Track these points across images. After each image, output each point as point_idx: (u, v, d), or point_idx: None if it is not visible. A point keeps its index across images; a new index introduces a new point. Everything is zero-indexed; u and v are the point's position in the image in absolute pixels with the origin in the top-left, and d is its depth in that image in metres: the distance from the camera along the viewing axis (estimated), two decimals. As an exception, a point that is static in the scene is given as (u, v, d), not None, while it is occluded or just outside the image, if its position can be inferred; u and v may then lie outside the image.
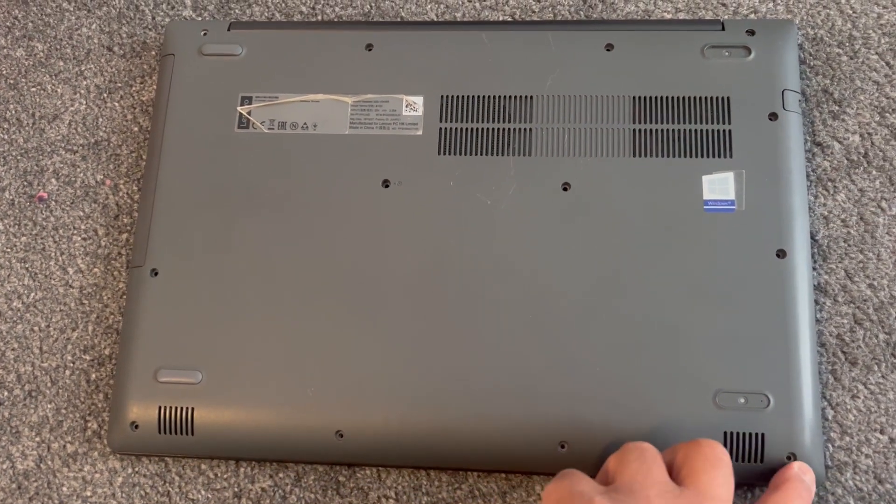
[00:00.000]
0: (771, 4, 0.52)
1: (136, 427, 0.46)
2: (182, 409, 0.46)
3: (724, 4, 0.52)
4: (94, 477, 0.48)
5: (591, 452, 0.43)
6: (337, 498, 0.46)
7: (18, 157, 0.54)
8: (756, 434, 0.42)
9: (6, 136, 0.54)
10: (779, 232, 0.45)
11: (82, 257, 0.52)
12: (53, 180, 0.53)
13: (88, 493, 0.47)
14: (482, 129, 0.49)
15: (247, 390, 0.46)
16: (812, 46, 0.51)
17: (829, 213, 0.48)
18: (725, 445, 0.42)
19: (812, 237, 0.47)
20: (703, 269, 0.45)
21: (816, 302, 0.46)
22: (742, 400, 0.43)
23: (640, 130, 0.48)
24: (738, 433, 0.42)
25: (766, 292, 0.44)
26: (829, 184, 0.48)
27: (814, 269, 0.47)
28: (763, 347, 0.43)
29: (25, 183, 0.53)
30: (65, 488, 0.48)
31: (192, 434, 0.45)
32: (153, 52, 0.55)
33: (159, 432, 0.46)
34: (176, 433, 0.46)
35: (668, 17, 0.53)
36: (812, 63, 0.50)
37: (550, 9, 0.53)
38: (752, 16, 0.52)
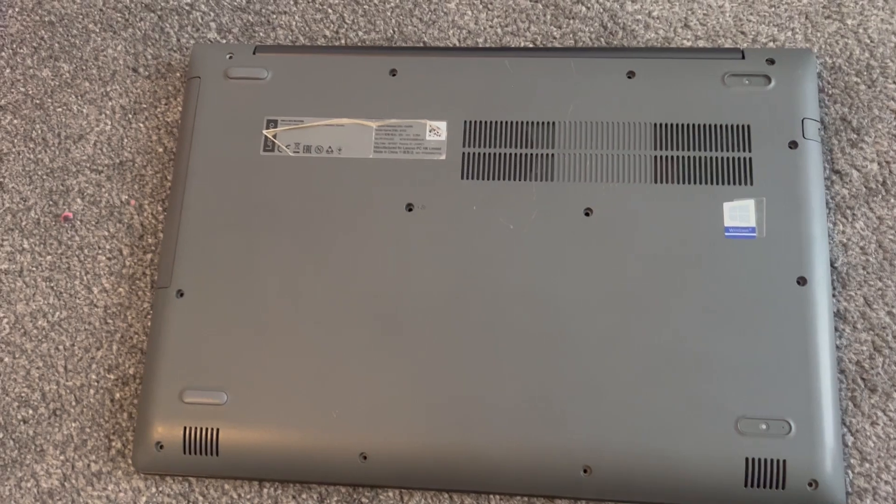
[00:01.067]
0: (789, 33, 0.53)
1: (161, 447, 0.46)
2: (207, 429, 0.46)
3: (742, 33, 0.53)
4: (118, 496, 0.48)
5: (615, 477, 0.44)
6: (360, 519, 0.46)
7: (44, 177, 0.55)
8: (778, 461, 0.43)
9: (32, 156, 0.55)
10: (799, 259, 0.46)
11: (107, 277, 0.52)
12: (79, 200, 0.54)
13: (112, 513, 0.48)
14: (505, 154, 0.49)
15: (272, 411, 0.46)
16: (830, 75, 0.52)
17: (848, 241, 0.48)
18: (747, 471, 0.43)
19: (831, 264, 0.47)
20: (725, 295, 0.45)
21: (836, 329, 0.47)
22: (764, 426, 0.43)
23: (661, 157, 0.48)
24: (759, 459, 0.43)
25: (787, 319, 0.45)
26: (848, 211, 0.49)
27: (833, 296, 0.47)
28: (784, 374, 0.44)
29: (51, 202, 0.54)
30: (89, 507, 0.48)
31: (217, 454, 0.46)
32: (178, 74, 0.56)
33: (184, 452, 0.46)
34: (201, 453, 0.46)
35: (688, 44, 0.53)
36: (830, 91, 0.51)
37: (571, 35, 0.54)
38: (771, 44, 0.53)
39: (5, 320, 0.52)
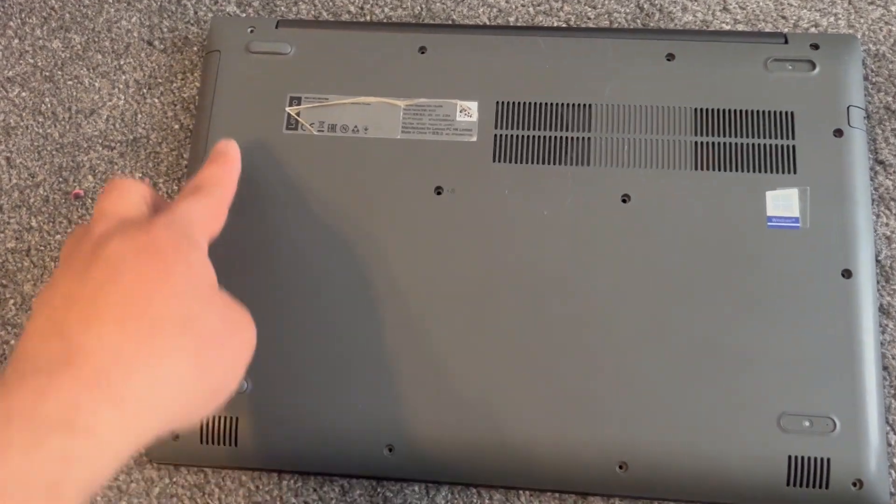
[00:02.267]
0: (832, 19, 0.51)
1: (177, 436, 0.44)
2: (226, 418, 0.44)
3: (783, 17, 0.51)
4: (129, 486, 0.46)
5: (651, 474, 0.42)
6: (384, 514, 0.44)
7: (53, 153, 0.52)
8: (821, 459, 0.41)
9: (41, 130, 0.53)
10: (844, 251, 0.44)
11: (119, 258, 0.50)
12: (90, 177, 0.52)
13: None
14: (538, 136, 0.47)
15: (294, 401, 0.44)
16: (874, 63, 0.50)
17: (892, 234, 0.47)
18: (789, 470, 0.41)
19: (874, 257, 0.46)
20: (767, 287, 0.44)
21: (879, 324, 0.45)
22: (807, 423, 0.42)
23: (701, 143, 0.46)
24: (802, 458, 0.41)
25: (831, 313, 0.43)
26: (892, 203, 0.47)
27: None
28: (829, 369, 0.42)
29: (60, 179, 0.52)
30: (98, 498, 0.46)
31: (236, 444, 0.44)
32: (195, 48, 0.54)
33: (201, 442, 0.44)
34: (219, 443, 0.44)
35: (727, 28, 0.51)
36: (874, 80, 0.50)
37: (607, 16, 0.52)
38: (813, 29, 0.51)
39: (11, 301, 0.50)
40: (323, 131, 0.48)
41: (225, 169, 0.41)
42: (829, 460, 0.41)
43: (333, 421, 0.44)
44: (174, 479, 0.46)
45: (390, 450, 0.43)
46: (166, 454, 0.45)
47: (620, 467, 0.42)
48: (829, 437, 0.41)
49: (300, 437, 0.44)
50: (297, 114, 0.49)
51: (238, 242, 0.46)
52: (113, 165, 0.52)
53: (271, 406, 0.44)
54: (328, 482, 0.45)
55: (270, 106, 0.49)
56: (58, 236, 0.51)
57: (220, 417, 0.44)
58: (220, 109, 0.49)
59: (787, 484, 0.41)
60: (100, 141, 0.52)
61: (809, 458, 0.41)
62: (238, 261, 0.46)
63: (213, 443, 0.44)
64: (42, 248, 0.50)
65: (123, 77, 0.53)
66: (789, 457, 0.41)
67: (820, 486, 0.41)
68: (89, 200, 0.51)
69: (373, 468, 0.44)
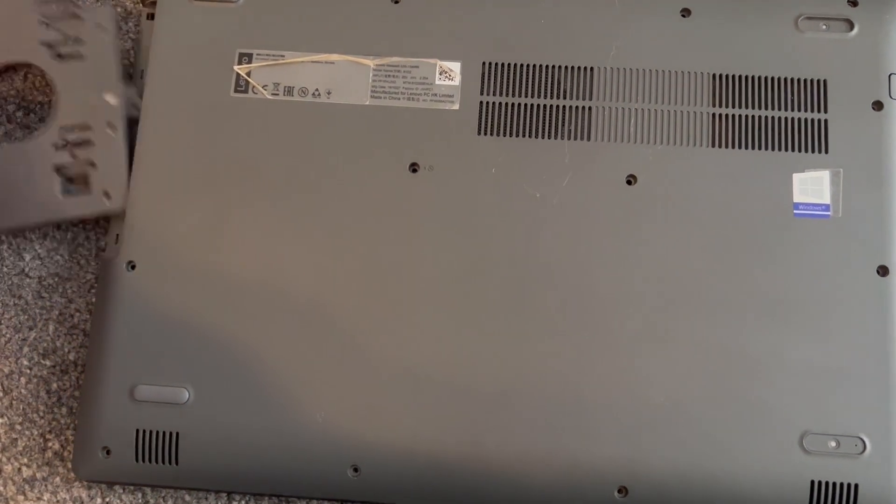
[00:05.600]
0: (871, -31, 0.44)
1: (109, 453, 0.38)
2: (164, 433, 0.38)
3: (815, -33, 0.45)
4: (56, 507, 0.40)
5: (655, 500, 0.37)
6: (348, 540, 0.39)
7: (-37, 115, 0.45)
8: (849, 484, 0.37)
9: (-52, 89, 0.45)
10: (882, 244, 0.39)
11: (41, 241, 0.43)
12: (5, 145, 0.44)
13: (49, 527, 0.40)
14: (532, 105, 0.41)
15: (243, 413, 0.38)
16: (918, 22, 0.43)
17: (932, 222, 0.41)
18: (813, 497, 0.37)
19: (912, 250, 0.41)
20: (791, 285, 0.39)
21: (916, 327, 0.40)
22: (833, 444, 0.37)
23: (719, 115, 0.40)
24: (827, 483, 0.37)
25: (864, 316, 0.38)
26: (934, 187, 0.42)
27: (914, 287, 0.40)
28: (860, 381, 0.38)
29: (-28, 146, 0.44)
30: (20, 519, 0.40)
31: (177, 463, 0.38)
32: (129, -7, 0.46)
33: (136, 460, 0.38)
34: (156, 461, 0.38)
35: (751, -22, 0.45)
36: (917, 42, 0.43)
37: (611, -38, 0.45)
38: (849, -18, 0.44)
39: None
40: (278, 94, 0.41)
41: None
42: (857, 486, 0.37)
43: (290, 436, 0.38)
44: (107, 500, 0.40)
45: (355, 470, 0.38)
46: (97, 472, 0.39)
47: (620, 492, 0.37)
48: (857, 459, 0.37)
49: (251, 455, 0.38)
50: (248, 73, 0.42)
51: (178, 225, 0.40)
52: (31, 130, 0.44)
53: (216, 419, 0.38)
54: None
55: (216, 64, 0.42)
56: None
57: (157, 431, 0.38)
58: (157, 68, 0.42)
59: (809, 512, 0.36)
60: (17, 102, 0.45)
61: (835, 484, 0.37)
62: (180, 247, 0.40)
63: (150, 460, 0.38)
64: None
65: (45, 26, 0.46)
66: (812, 482, 0.37)
67: (846, 515, 0.36)
68: (6, 172, 0.44)
69: (335, 490, 0.39)
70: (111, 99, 0.40)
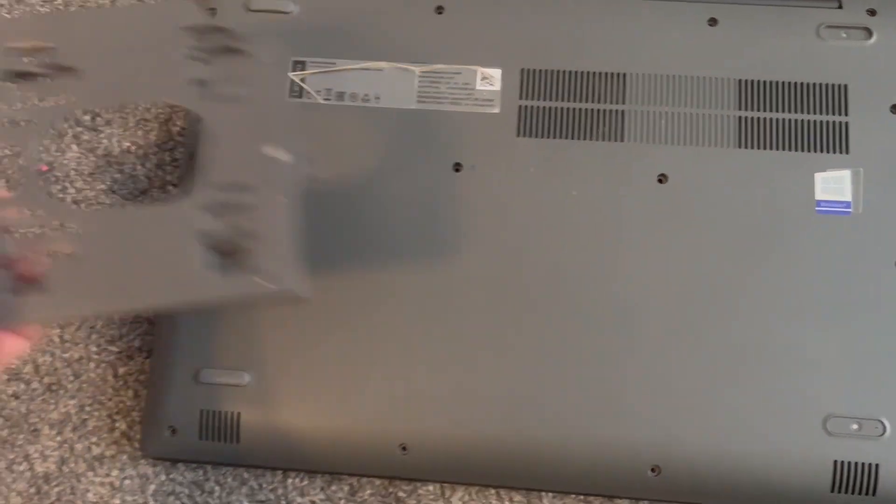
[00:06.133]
0: (889, -20, 0.47)
1: (174, 431, 0.41)
2: (227, 413, 0.41)
3: (835, -22, 0.47)
4: (123, 483, 0.43)
5: (686, 478, 0.39)
6: (396, 515, 0.42)
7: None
8: (869, 465, 0.38)
9: (18, 94, 0.48)
10: (900, 240, 0.41)
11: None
12: (74, 146, 0.47)
13: (117, 502, 0.42)
14: (567, 109, 0.43)
15: (300, 395, 0.41)
16: (934, 30, 0.46)
17: (948, 219, 0.43)
18: (835, 476, 0.38)
19: (929, 245, 0.42)
20: (814, 278, 0.40)
21: (932, 318, 0.42)
22: (855, 426, 0.39)
23: (746, 118, 0.42)
24: (849, 463, 0.39)
25: (884, 307, 0.40)
26: (949, 186, 0.44)
27: (930, 280, 0.42)
28: (880, 368, 0.39)
29: (41, 148, 0.47)
30: (90, 494, 0.43)
31: (238, 441, 0.41)
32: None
33: (200, 438, 0.41)
34: (220, 440, 0.41)
35: (774, -11, 0.47)
36: (933, 49, 0.45)
37: (641, -26, 0.47)
38: (868, -8, 0.47)
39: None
40: (330, 99, 0.44)
41: None
42: (877, 466, 0.38)
43: (343, 417, 0.40)
44: (171, 476, 0.43)
45: (403, 449, 0.40)
46: (162, 449, 0.42)
47: (653, 470, 0.39)
48: (878, 441, 0.39)
49: (307, 434, 0.41)
50: (302, 80, 0.44)
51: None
52: (98, 134, 0.47)
53: (275, 400, 0.41)
54: (336, 481, 0.42)
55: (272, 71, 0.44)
56: (39, 211, 0.46)
57: (220, 412, 0.41)
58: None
59: (832, 490, 0.39)
60: (154, 153, 0.48)
61: (856, 464, 0.38)
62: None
63: (212, 438, 0.41)
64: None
65: (110, 35, 0.49)
66: (835, 462, 0.39)
67: (867, 494, 0.38)
68: (73, 172, 0.47)
69: (384, 468, 0.41)
70: (281, 154, 0.32)
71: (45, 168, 0.47)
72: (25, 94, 0.33)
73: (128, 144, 0.47)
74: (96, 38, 0.34)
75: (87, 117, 0.48)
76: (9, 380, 0.44)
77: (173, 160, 0.47)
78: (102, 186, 0.47)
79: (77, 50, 0.34)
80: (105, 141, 0.47)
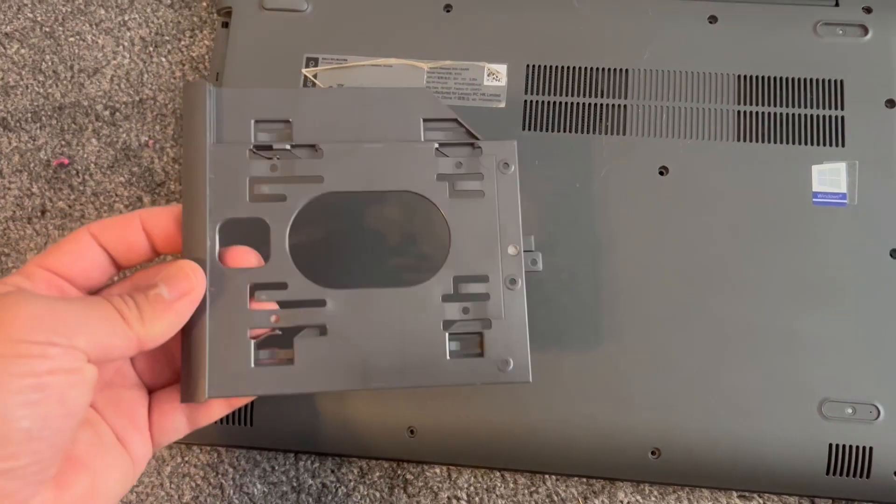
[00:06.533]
0: (885, -21, 0.48)
1: (190, 414, 0.42)
2: (241, 397, 0.42)
3: (832, -23, 0.48)
4: (140, 465, 0.44)
5: (686, 460, 0.40)
6: (404, 497, 0.43)
7: (54, 114, 0.49)
8: (863, 448, 0.40)
9: (42, 90, 0.50)
10: (894, 229, 0.42)
11: (126, 226, 0.48)
12: (94, 140, 0.49)
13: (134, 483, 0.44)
14: (572, 103, 0.44)
15: (311, 380, 0.42)
16: (928, 27, 0.47)
17: (942, 211, 0.44)
18: (830, 458, 0.40)
19: (924, 236, 0.44)
20: (811, 266, 0.42)
21: (926, 306, 0.43)
22: (850, 410, 0.40)
23: (744, 112, 0.44)
24: (844, 446, 0.40)
25: (878, 295, 0.41)
26: (943, 179, 0.45)
27: (925, 270, 0.43)
28: (874, 355, 0.40)
29: (63, 142, 0.49)
30: (108, 476, 0.44)
31: (252, 424, 0.42)
32: (205, 4, 0.51)
33: (214, 422, 0.42)
34: (233, 423, 0.42)
35: (773, -12, 0.48)
36: (928, 46, 0.47)
37: (643, -26, 0.49)
38: (864, -9, 0.48)
39: (14, 270, 0.47)
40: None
41: (178, 311, 0.31)
42: (871, 449, 0.39)
43: (353, 401, 0.42)
44: (186, 458, 0.44)
45: (411, 432, 0.41)
46: (178, 432, 0.43)
47: (653, 453, 0.40)
48: (872, 425, 0.40)
49: (318, 418, 0.42)
50: (314, 76, 0.46)
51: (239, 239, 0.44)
52: (117, 128, 0.49)
53: (288, 385, 0.42)
54: (346, 463, 0.43)
55: (285, 67, 0.46)
56: (60, 203, 0.48)
57: (234, 396, 0.42)
58: (232, 70, 0.46)
59: (827, 472, 0.40)
60: (103, 102, 0.49)
61: (851, 447, 0.40)
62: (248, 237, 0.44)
63: (227, 422, 0.42)
64: (39, 214, 0.48)
65: (129, 34, 0.50)
66: (830, 445, 0.40)
67: (861, 476, 0.39)
68: (92, 165, 0.48)
69: (393, 450, 0.42)
70: (511, 249, 0.34)
71: (65, 161, 0.48)
72: (273, 170, 0.33)
73: (146, 139, 0.49)
74: (342, 120, 0.35)
75: (107, 112, 0.49)
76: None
77: (189, 154, 0.49)
78: (121, 179, 0.48)
79: (321, 129, 0.34)
80: (124, 135, 0.49)
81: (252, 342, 0.32)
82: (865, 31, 0.44)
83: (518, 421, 0.41)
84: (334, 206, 0.42)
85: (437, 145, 0.34)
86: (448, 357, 0.33)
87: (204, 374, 0.31)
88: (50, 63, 0.50)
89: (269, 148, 0.34)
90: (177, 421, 0.32)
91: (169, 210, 0.32)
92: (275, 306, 0.32)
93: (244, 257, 0.33)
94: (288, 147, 0.34)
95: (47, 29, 0.51)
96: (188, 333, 0.31)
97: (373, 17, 0.46)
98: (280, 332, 0.33)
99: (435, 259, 0.35)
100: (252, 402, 0.42)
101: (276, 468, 0.44)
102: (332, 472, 0.43)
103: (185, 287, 0.30)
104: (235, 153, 0.33)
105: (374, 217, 0.43)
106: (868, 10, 0.45)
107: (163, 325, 0.29)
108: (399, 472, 0.43)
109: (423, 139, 0.35)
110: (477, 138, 0.35)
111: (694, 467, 0.40)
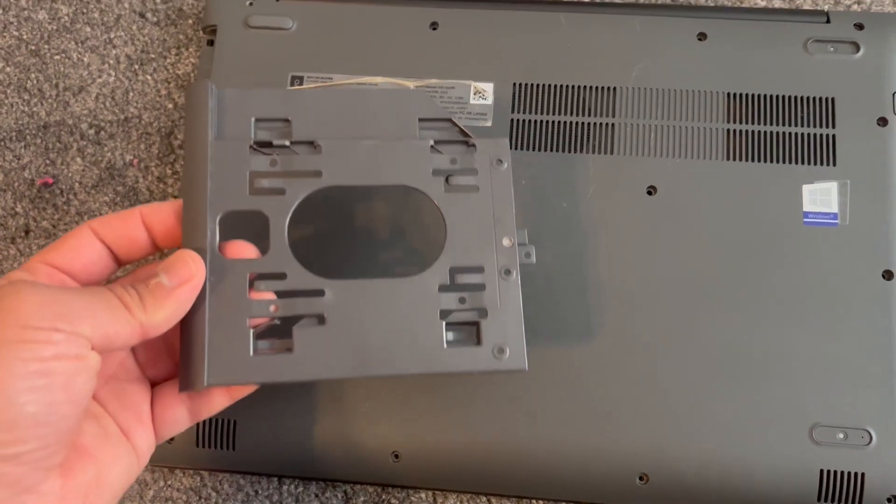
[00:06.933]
0: (877, -5, 0.47)
1: (171, 439, 0.42)
2: (224, 421, 0.41)
3: (824, -7, 0.48)
4: (122, 488, 0.44)
5: (674, 486, 0.40)
6: (389, 522, 0.42)
7: (38, 133, 0.49)
8: (855, 474, 0.39)
9: (27, 109, 0.49)
10: (886, 250, 0.41)
11: (110, 246, 0.47)
12: (78, 159, 0.49)
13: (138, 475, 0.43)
14: (559, 122, 0.44)
15: (294, 403, 0.41)
16: (921, 44, 0.46)
17: (936, 230, 0.44)
18: (822, 485, 0.39)
19: (917, 256, 0.43)
20: (801, 288, 0.41)
21: (920, 328, 0.42)
22: (841, 435, 0.39)
23: (734, 131, 0.43)
24: (835, 472, 0.39)
25: (870, 316, 0.40)
26: (937, 198, 0.44)
27: (918, 291, 0.43)
28: (866, 378, 0.40)
29: (47, 161, 0.49)
30: (90, 500, 0.44)
31: (234, 448, 0.41)
32: (190, 21, 0.50)
33: (197, 445, 0.42)
34: (216, 447, 0.42)
35: (763, 5, 0.48)
36: (921, 62, 0.46)
37: (632, -10, 0.48)
38: (856, 7, 0.47)
39: None
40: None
41: (179, 298, 0.31)
42: (863, 475, 0.39)
43: (337, 425, 0.41)
44: (169, 482, 0.43)
45: (396, 457, 0.41)
46: (160, 456, 0.42)
47: (641, 479, 0.40)
48: (864, 450, 0.39)
49: (302, 442, 0.41)
50: (299, 94, 0.45)
51: (238, 235, 0.43)
52: (102, 147, 0.49)
53: (269, 408, 0.41)
54: (330, 488, 0.43)
55: (271, 85, 0.45)
56: (44, 223, 0.48)
57: (216, 419, 0.41)
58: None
59: (819, 499, 0.39)
60: (88, 120, 0.49)
61: (843, 473, 0.39)
62: (247, 232, 0.43)
63: (209, 446, 0.42)
64: (22, 234, 0.48)
65: (114, 52, 0.50)
66: (821, 471, 0.39)
67: (852, 502, 0.39)
68: (76, 184, 0.48)
69: (377, 475, 0.41)
70: (506, 241, 0.35)
71: (49, 181, 0.48)
72: (273, 165, 0.34)
73: (130, 157, 0.48)
74: (336, 115, 0.36)
75: (92, 131, 0.49)
76: (13, 387, 0.45)
77: (174, 173, 0.48)
78: (105, 199, 0.48)
79: (316, 125, 0.35)
80: (109, 154, 0.48)
81: (251, 331, 0.32)
82: (857, 48, 0.44)
83: (504, 445, 0.40)
84: (332, 201, 0.43)
85: (432, 142, 0.35)
86: (445, 346, 0.33)
87: (203, 363, 0.31)
88: (35, 81, 0.50)
89: (270, 144, 0.35)
90: (178, 413, 0.33)
91: (170, 205, 0.33)
92: (274, 296, 0.33)
93: (243, 250, 0.33)
94: (287, 144, 0.35)
95: (33, 47, 0.50)
96: (187, 323, 0.32)
97: (358, 35, 0.46)
98: (279, 323, 0.33)
99: (431, 253, 0.35)
100: (234, 426, 0.41)
101: (260, 492, 0.43)
102: (317, 496, 0.43)
103: (185, 274, 0.31)
104: (236, 148, 0.34)
105: (371, 212, 0.43)
106: (860, 27, 0.44)
107: (165, 313, 0.30)
108: (384, 496, 0.43)
109: (418, 138, 0.36)
110: (470, 136, 0.36)
111: (682, 493, 0.40)
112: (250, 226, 0.34)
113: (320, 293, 0.33)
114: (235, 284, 0.32)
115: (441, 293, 0.34)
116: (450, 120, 0.36)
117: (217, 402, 0.34)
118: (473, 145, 0.36)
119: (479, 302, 0.34)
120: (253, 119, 0.35)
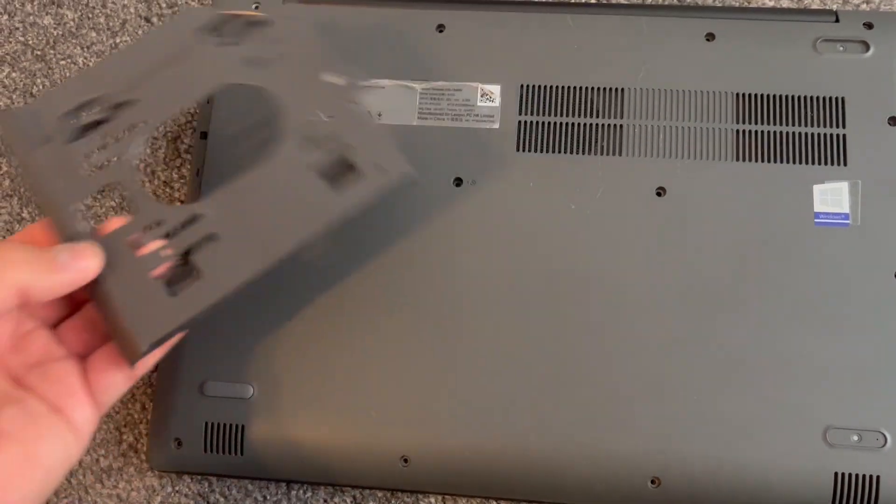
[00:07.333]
0: (886, -6, 0.47)
1: (180, 444, 0.42)
2: (231, 426, 0.41)
3: (832, -8, 0.47)
4: (129, 494, 0.43)
5: (686, 490, 0.39)
6: (398, 527, 0.42)
7: (46, 138, 0.49)
8: (870, 476, 0.38)
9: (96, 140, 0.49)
10: (898, 251, 0.41)
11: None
12: (83, 165, 0.48)
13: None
14: (566, 123, 0.44)
15: (303, 408, 0.41)
16: (931, 43, 0.46)
17: (948, 230, 0.43)
18: (836, 488, 0.38)
19: (929, 256, 0.42)
20: (813, 289, 0.41)
21: (933, 329, 0.42)
22: (855, 438, 0.39)
23: (743, 131, 0.43)
24: (849, 475, 0.38)
25: (882, 317, 0.40)
26: (949, 197, 0.44)
27: (931, 292, 0.42)
28: (880, 379, 0.39)
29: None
30: (98, 506, 0.43)
31: (242, 454, 0.41)
32: (196, 25, 0.50)
33: (205, 451, 0.41)
34: (224, 452, 0.41)
35: (771, 4, 0.47)
36: (931, 61, 0.46)
37: (640, -9, 0.48)
38: (865, 6, 0.47)
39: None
40: (333, 116, 0.45)
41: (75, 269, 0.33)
42: (878, 478, 0.38)
43: (345, 430, 0.41)
44: (177, 488, 0.43)
45: (405, 461, 0.40)
46: (168, 461, 0.42)
47: (653, 482, 0.39)
48: (879, 452, 0.39)
49: (310, 447, 0.41)
50: (306, 97, 0.45)
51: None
52: (109, 152, 0.48)
53: (278, 413, 0.41)
54: (339, 493, 0.43)
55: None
56: (52, 228, 0.47)
57: (224, 424, 0.41)
58: (223, 94, 0.45)
59: (833, 502, 0.38)
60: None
61: (857, 476, 0.38)
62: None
63: (217, 451, 0.41)
64: (35, 240, 0.47)
65: (119, 56, 0.50)
66: (835, 473, 0.38)
67: (868, 506, 0.38)
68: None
69: (386, 480, 0.41)
70: (336, 79, 0.36)
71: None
72: (102, 139, 0.36)
73: (136, 162, 0.48)
74: (134, 70, 0.38)
75: (98, 136, 0.49)
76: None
77: (181, 177, 0.48)
78: (112, 203, 0.48)
79: (123, 86, 0.37)
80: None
81: (160, 282, 0.34)
82: (867, 47, 0.43)
83: (514, 449, 0.40)
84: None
85: (219, 42, 0.38)
86: (331, 189, 0.35)
87: (131, 332, 0.33)
88: (41, 87, 0.50)
89: (94, 125, 0.37)
90: (112, 377, 0.34)
91: (39, 223, 0.35)
92: (161, 243, 0.34)
93: (114, 223, 0.35)
94: (101, 118, 0.37)
95: (38, 52, 0.50)
96: (102, 303, 0.33)
97: (364, 38, 0.46)
98: (184, 263, 0.34)
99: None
100: (242, 431, 0.41)
101: (268, 497, 0.43)
102: (325, 501, 0.42)
103: (80, 250, 0.33)
104: (55, 146, 0.36)
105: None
106: (869, 26, 0.44)
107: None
108: (393, 501, 0.42)
109: (210, 43, 0.38)
110: (256, 16, 0.39)
111: (694, 497, 0.39)
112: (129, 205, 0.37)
113: (200, 217, 0.35)
114: (122, 253, 0.34)
115: (302, 152, 0.36)
116: (225, 14, 0.38)
117: (150, 356, 0.35)
118: (262, 21, 0.38)
119: (339, 140, 0.36)
120: (60, 113, 0.36)
